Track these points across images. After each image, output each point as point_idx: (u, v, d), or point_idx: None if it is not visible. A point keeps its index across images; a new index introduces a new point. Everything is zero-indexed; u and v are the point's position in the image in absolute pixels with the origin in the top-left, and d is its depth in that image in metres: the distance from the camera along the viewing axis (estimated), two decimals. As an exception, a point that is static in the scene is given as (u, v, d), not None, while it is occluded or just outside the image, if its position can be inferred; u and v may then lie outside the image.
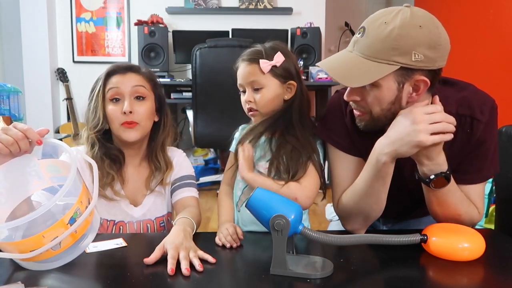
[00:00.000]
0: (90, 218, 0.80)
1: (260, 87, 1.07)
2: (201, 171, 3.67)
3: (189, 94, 3.38)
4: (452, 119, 0.85)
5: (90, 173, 1.09)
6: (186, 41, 3.68)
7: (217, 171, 3.76)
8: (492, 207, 2.22)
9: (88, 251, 0.87)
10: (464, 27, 3.30)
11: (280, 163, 1.06)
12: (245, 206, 0.83)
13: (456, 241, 0.85)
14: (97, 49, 4.02)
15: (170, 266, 0.77)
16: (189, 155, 3.68)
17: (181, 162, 1.24)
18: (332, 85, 3.54)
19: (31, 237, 0.73)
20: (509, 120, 1.26)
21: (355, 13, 5.12)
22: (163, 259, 0.80)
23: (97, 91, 1.14)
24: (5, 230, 0.79)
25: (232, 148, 1.20)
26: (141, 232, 1.17)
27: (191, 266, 0.79)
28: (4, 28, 4.06)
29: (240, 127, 1.23)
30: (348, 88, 0.95)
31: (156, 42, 3.61)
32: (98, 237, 0.91)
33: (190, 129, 3.16)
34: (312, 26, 3.76)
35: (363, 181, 0.96)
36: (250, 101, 1.08)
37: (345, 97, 0.97)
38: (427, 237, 0.86)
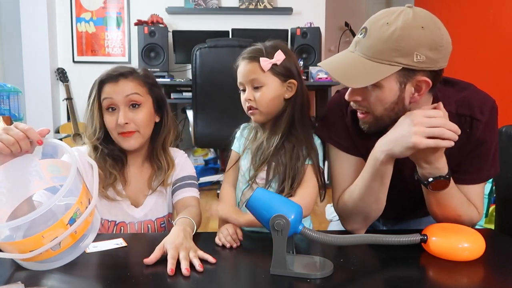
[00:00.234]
0: (90, 218, 0.80)
1: (260, 86, 1.06)
2: (201, 171, 3.67)
3: (189, 94, 3.38)
4: (455, 126, 0.82)
5: (92, 173, 1.09)
6: (186, 41, 3.68)
7: (217, 171, 3.76)
8: (492, 207, 2.22)
9: (88, 251, 0.87)
10: (464, 27, 3.30)
11: (279, 165, 1.06)
12: (245, 206, 0.83)
13: (456, 241, 0.85)
14: (97, 49, 4.02)
15: (170, 266, 0.77)
16: (189, 155, 3.66)
17: (183, 162, 1.24)
18: (332, 85, 3.54)
19: (30, 237, 0.73)
20: (509, 120, 1.26)
21: (355, 13, 5.12)
22: (163, 259, 0.80)
23: (92, 100, 1.13)
24: (5, 230, 0.79)
25: (233, 147, 1.20)
26: (142, 232, 1.17)
27: (191, 266, 0.79)
28: (4, 28, 4.06)
29: (242, 126, 1.22)
30: (350, 89, 0.95)
31: (156, 42, 3.61)
32: (98, 237, 0.91)
33: (190, 129, 3.16)
34: (312, 26, 3.76)
35: (362, 180, 0.96)
36: (250, 100, 1.08)
37: (346, 97, 0.96)
38: (427, 237, 0.86)
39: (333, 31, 4.87)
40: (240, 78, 1.10)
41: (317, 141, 1.12)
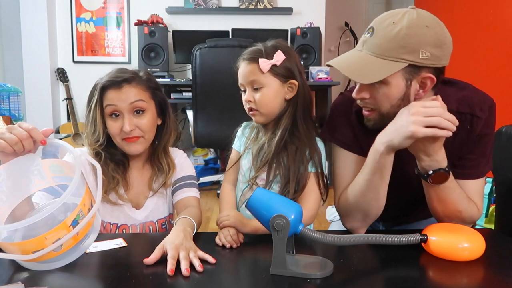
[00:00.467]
0: (92, 220, 0.80)
1: (260, 87, 1.06)
2: (201, 171, 3.67)
3: (189, 94, 3.38)
4: (452, 117, 0.85)
5: (93, 175, 1.08)
6: (186, 41, 3.68)
7: (217, 171, 3.77)
8: (492, 207, 2.22)
9: (88, 251, 0.87)
10: (464, 27, 3.30)
11: (281, 166, 1.06)
12: (245, 206, 0.83)
13: (456, 241, 0.85)
14: (97, 49, 4.02)
15: (170, 267, 0.77)
16: (189, 155, 3.68)
17: (182, 162, 1.23)
18: (332, 85, 3.54)
19: (33, 239, 0.73)
20: (509, 120, 1.26)
21: (355, 13, 5.12)
22: (163, 259, 0.80)
23: (93, 105, 1.10)
24: (4, 230, 0.79)
25: (234, 146, 1.20)
26: (142, 232, 1.17)
27: (191, 266, 0.79)
28: (4, 28, 4.06)
29: (243, 124, 1.22)
30: (358, 86, 0.97)
31: (156, 42, 3.61)
32: (99, 237, 0.90)
33: (190, 129, 3.16)
34: (312, 26, 3.76)
35: (363, 175, 0.97)
36: (250, 101, 1.07)
37: (354, 95, 0.98)
38: (427, 237, 0.86)
39: (333, 31, 4.87)
40: (240, 79, 1.09)
41: (320, 145, 1.11)
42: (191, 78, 3.02)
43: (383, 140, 0.91)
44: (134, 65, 3.87)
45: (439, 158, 0.89)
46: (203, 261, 0.81)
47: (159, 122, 1.18)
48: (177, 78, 3.84)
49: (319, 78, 3.53)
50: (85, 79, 3.54)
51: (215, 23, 3.91)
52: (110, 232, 1.14)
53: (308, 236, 0.79)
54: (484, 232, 0.92)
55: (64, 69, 3.96)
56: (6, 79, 3.94)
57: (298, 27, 3.69)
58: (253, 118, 1.12)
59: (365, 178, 0.96)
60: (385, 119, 0.95)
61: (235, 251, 0.91)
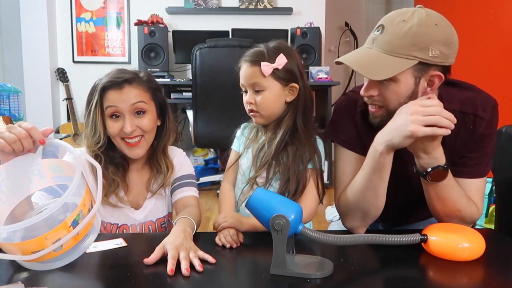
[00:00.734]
0: (92, 220, 0.80)
1: (262, 89, 1.07)
2: (201, 171, 3.67)
3: (189, 94, 3.38)
4: (450, 115, 0.85)
5: (93, 175, 1.08)
6: (186, 41, 3.68)
7: (217, 171, 3.77)
8: (492, 207, 2.22)
9: (88, 251, 0.87)
10: (464, 27, 3.30)
11: (280, 164, 1.06)
12: (245, 206, 0.83)
13: (456, 241, 0.85)
14: (97, 49, 4.02)
15: (170, 266, 0.77)
16: (189, 155, 3.68)
17: (181, 161, 1.23)
18: (332, 85, 3.54)
19: (34, 239, 0.73)
20: (509, 120, 1.26)
21: (355, 13, 5.12)
22: (163, 259, 0.80)
23: (93, 106, 1.09)
24: (4, 231, 0.79)
25: (233, 146, 1.20)
26: (142, 232, 1.17)
27: (191, 266, 0.79)
28: (4, 28, 4.06)
29: (242, 126, 1.23)
30: (366, 83, 0.97)
31: (156, 42, 3.61)
32: (99, 237, 0.91)
33: (190, 129, 3.16)
34: (312, 26, 3.76)
35: (363, 174, 0.97)
36: (251, 103, 1.08)
37: (362, 92, 0.99)
38: (427, 237, 0.86)
39: (333, 31, 4.88)
40: (242, 80, 1.10)
41: (320, 145, 1.11)
42: (191, 78, 3.02)
43: (382, 139, 0.91)
44: (134, 65, 3.87)
45: (437, 156, 0.90)
46: (203, 261, 0.81)
47: (158, 123, 1.18)
48: (177, 78, 3.84)
49: (319, 78, 3.53)
50: (85, 79, 3.53)
51: (215, 23, 3.91)
52: (111, 232, 1.14)
53: (308, 236, 0.79)
54: (484, 232, 0.92)
55: (64, 69, 3.96)
56: (6, 79, 3.95)
57: (298, 27, 3.70)
58: (253, 119, 1.12)
59: (365, 177, 0.96)
60: (392, 116, 0.94)
61: (235, 251, 0.91)
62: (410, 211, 1.18)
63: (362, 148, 1.06)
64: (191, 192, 1.19)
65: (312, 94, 1.13)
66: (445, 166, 0.91)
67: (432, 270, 0.82)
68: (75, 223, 0.75)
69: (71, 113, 3.84)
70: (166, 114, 1.19)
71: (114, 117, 1.09)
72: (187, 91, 3.51)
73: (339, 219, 1.10)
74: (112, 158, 1.14)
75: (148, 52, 3.63)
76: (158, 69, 3.61)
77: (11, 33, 4.00)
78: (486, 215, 2.25)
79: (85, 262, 0.83)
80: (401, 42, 0.89)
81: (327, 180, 3.42)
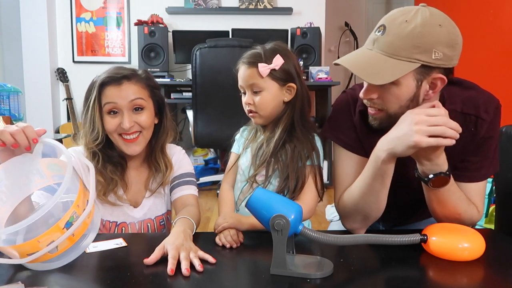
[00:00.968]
0: (88, 220, 0.80)
1: (259, 90, 1.08)
2: (201, 171, 3.67)
3: (189, 94, 3.38)
4: (456, 125, 0.83)
5: (88, 175, 1.08)
6: (186, 41, 3.68)
7: (217, 171, 3.77)
8: (492, 207, 2.22)
9: (88, 251, 0.87)
10: (464, 27, 3.30)
11: (279, 161, 1.07)
12: (245, 206, 0.83)
13: (456, 241, 0.85)
14: (97, 49, 4.02)
15: (170, 266, 0.77)
16: (189, 155, 3.67)
17: (181, 159, 1.23)
18: (332, 85, 3.54)
19: (27, 242, 0.74)
20: (509, 120, 1.26)
21: (355, 13, 5.12)
22: (163, 260, 0.80)
23: (92, 103, 1.09)
24: (2, 234, 0.79)
25: (233, 149, 1.21)
26: (142, 231, 1.17)
27: (191, 266, 0.79)
28: (4, 28, 4.06)
29: (241, 129, 1.24)
30: (366, 86, 0.95)
31: (156, 42, 3.61)
32: (99, 237, 0.91)
33: (190, 129, 3.16)
34: (312, 26, 3.76)
35: (363, 179, 0.96)
36: (250, 104, 1.09)
37: (361, 95, 0.97)
38: (427, 237, 0.86)
39: (333, 31, 4.88)
40: (240, 81, 1.11)
41: (318, 142, 1.12)
42: (191, 78, 3.02)
43: (384, 147, 0.89)
44: (134, 65, 3.87)
45: (440, 162, 0.88)
46: (203, 261, 0.81)
47: (156, 122, 1.18)
48: (177, 78, 3.84)
49: (319, 78, 3.53)
50: (85, 79, 3.51)
51: (215, 23, 3.91)
52: (110, 230, 1.14)
53: (308, 236, 0.79)
54: (484, 232, 0.92)
55: (64, 69, 3.96)
56: (6, 79, 3.95)
57: (298, 27, 3.69)
58: (252, 119, 1.14)
59: (366, 183, 0.95)
60: (392, 119, 0.93)
61: (235, 251, 0.91)
62: (411, 211, 1.17)
63: (361, 150, 1.05)
64: (190, 190, 1.19)
65: (309, 93, 1.14)
66: (447, 172, 0.89)
67: (432, 270, 0.82)
68: (68, 225, 0.75)
69: (71, 113, 3.84)
70: (164, 112, 1.19)
71: (112, 113, 1.09)
72: (187, 91, 3.51)
73: (339, 219, 1.10)
74: (110, 157, 1.14)
75: (148, 52, 3.63)
76: (158, 69, 3.61)
77: (11, 33, 4.00)
78: (486, 215, 2.25)
79: (85, 262, 0.83)
80: (403, 44, 0.86)
81: (327, 180, 3.42)
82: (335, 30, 4.99)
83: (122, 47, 4.03)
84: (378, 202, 0.97)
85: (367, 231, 1.03)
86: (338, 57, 0.98)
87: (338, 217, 1.11)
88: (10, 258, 0.77)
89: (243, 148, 1.17)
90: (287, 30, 3.75)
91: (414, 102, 0.92)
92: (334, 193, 1.10)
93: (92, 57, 4.01)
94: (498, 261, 0.87)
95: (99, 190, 1.10)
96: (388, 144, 0.88)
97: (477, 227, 1.01)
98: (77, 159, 0.89)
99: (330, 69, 3.58)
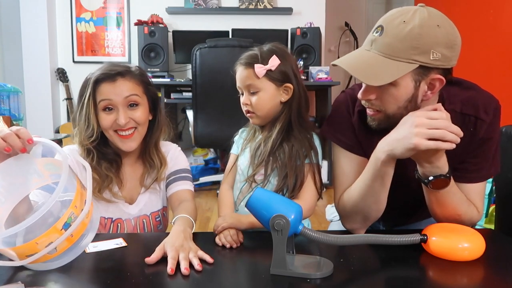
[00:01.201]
0: (86, 220, 0.80)
1: (256, 91, 1.09)
2: (201, 171, 3.67)
3: (189, 94, 3.38)
4: (457, 129, 0.82)
5: (85, 174, 1.08)
6: (186, 41, 3.68)
7: (217, 171, 3.76)
8: (492, 207, 2.22)
9: (88, 251, 0.88)
10: (464, 27, 3.30)
11: (278, 160, 1.08)
12: (245, 206, 0.83)
13: (456, 241, 0.85)
14: (97, 49, 4.02)
15: (170, 266, 0.77)
16: (189, 155, 3.69)
17: (176, 156, 1.24)
18: (332, 85, 3.54)
19: (26, 244, 0.74)
20: (509, 120, 1.26)
21: (355, 13, 5.12)
22: (163, 259, 0.81)
23: (86, 100, 1.09)
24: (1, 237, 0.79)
25: (232, 151, 1.21)
26: (138, 227, 1.17)
27: (191, 265, 0.79)
28: (4, 28, 4.06)
29: (240, 130, 1.25)
30: (364, 87, 0.95)
31: (156, 42, 3.61)
32: (98, 237, 0.91)
33: (190, 129, 3.16)
34: (312, 26, 3.76)
35: (363, 180, 0.96)
36: (247, 104, 1.11)
37: (359, 96, 0.97)
38: (427, 237, 0.86)
39: (333, 31, 4.88)
40: (238, 82, 1.13)
41: (316, 141, 1.12)
42: (191, 78, 3.03)
43: (384, 148, 0.89)
44: (134, 65, 3.86)
45: (440, 165, 0.87)
46: (202, 261, 0.81)
47: (150, 118, 1.19)
48: (177, 78, 3.84)
49: (319, 78, 3.53)
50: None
51: (215, 23, 3.91)
52: (106, 226, 1.14)
53: (308, 236, 0.79)
54: (484, 232, 0.92)
55: (64, 69, 3.96)
56: (6, 79, 3.95)
57: (298, 27, 3.70)
58: (250, 120, 1.15)
59: (366, 184, 0.95)
60: (391, 119, 0.94)
61: (235, 251, 0.91)
62: (411, 211, 1.17)
63: (360, 150, 1.05)
64: (186, 186, 1.19)
65: (307, 93, 1.14)
66: (447, 174, 0.89)
67: (432, 270, 0.82)
68: (66, 226, 0.74)
69: (71, 113, 3.85)
70: (158, 108, 1.20)
71: (107, 110, 1.10)
72: (187, 91, 3.51)
73: (339, 219, 1.10)
74: (105, 154, 1.14)
75: (148, 52, 3.64)
76: (158, 69, 3.61)
77: (11, 33, 4.00)
78: (486, 215, 2.25)
79: (85, 262, 0.83)
80: (401, 45, 0.86)
81: (327, 180, 3.42)
82: (335, 30, 4.99)
83: (122, 47, 4.03)
84: (378, 202, 0.97)
85: (367, 231, 1.03)
86: (338, 57, 0.97)
87: (338, 217, 1.11)
88: (9, 259, 0.77)
89: (242, 148, 1.18)
90: (287, 30, 3.75)
91: (412, 103, 0.92)
92: (334, 193, 1.10)
93: (92, 57, 4.01)
94: (498, 261, 0.87)
95: (94, 187, 1.10)
96: (388, 145, 0.88)
97: (477, 227, 1.01)
98: (73, 158, 0.88)
99: (330, 69, 3.58)
